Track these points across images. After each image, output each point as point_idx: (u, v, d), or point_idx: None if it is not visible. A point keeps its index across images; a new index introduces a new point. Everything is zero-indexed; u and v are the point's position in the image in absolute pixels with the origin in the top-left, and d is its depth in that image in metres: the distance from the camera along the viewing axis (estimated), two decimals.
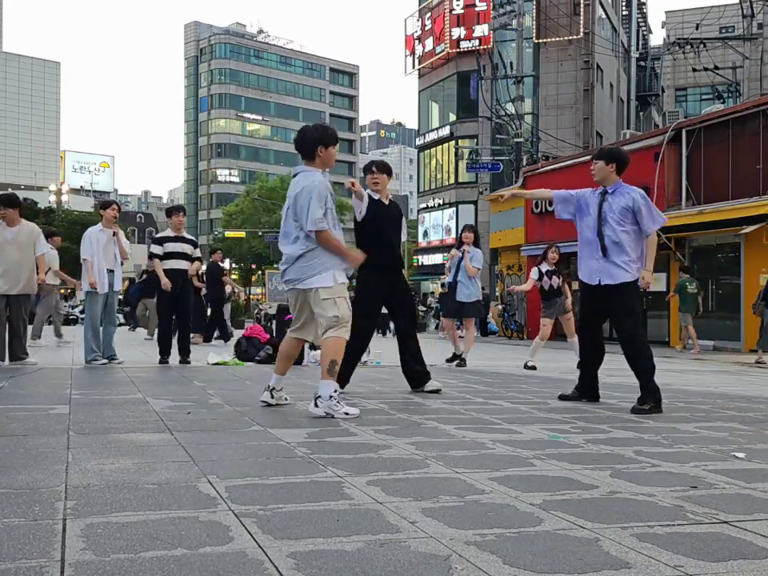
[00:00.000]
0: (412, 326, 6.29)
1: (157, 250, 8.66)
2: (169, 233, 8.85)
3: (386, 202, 5.98)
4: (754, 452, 3.62)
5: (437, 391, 5.97)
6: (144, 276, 15.83)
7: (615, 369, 10.27)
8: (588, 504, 2.54)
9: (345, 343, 4.57)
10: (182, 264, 8.62)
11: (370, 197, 5.90)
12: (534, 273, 9.92)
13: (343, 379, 5.61)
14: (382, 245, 5.84)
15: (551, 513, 2.41)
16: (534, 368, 9.49)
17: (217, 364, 8.67)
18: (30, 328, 9.07)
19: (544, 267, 9.73)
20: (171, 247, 8.64)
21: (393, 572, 1.86)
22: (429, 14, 39.96)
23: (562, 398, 5.83)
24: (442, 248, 38.91)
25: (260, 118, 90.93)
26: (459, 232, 10.06)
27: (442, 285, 31.49)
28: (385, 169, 6.03)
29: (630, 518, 2.39)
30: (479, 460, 3.25)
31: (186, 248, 8.75)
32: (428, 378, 6.09)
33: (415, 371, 6.10)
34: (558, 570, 1.90)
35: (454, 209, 39.01)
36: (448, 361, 9.79)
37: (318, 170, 4.76)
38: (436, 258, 40.11)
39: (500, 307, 24.18)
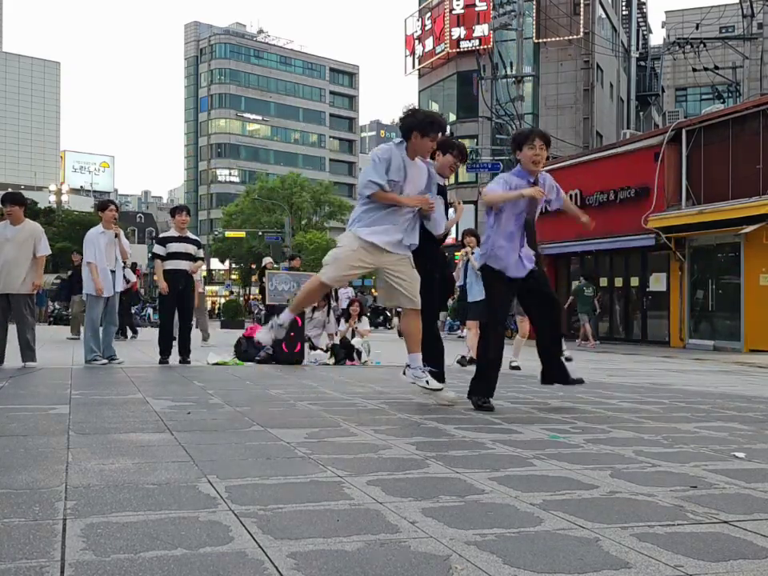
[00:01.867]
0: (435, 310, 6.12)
1: (159, 250, 8.66)
2: (172, 233, 8.86)
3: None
4: (753, 452, 3.62)
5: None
6: (70, 272, 15.45)
7: (615, 369, 10.29)
8: (588, 504, 2.54)
9: (316, 281, 4.92)
10: (184, 264, 8.63)
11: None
12: None
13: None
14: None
15: (551, 513, 2.41)
16: (518, 368, 9.47)
17: (217, 364, 8.68)
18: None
19: None
20: (174, 247, 8.64)
21: (393, 572, 1.86)
22: (429, 14, 39.94)
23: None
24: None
25: (260, 118, 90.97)
26: (461, 237, 10.17)
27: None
28: (467, 158, 6.06)
29: (630, 518, 2.39)
30: (479, 460, 3.25)
31: (190, 248, 8.76)
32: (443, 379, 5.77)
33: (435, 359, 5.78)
34: (558, 570, 1.90)
35: (454, 209, 38.96)
36: (459, 363, 9.71)
37: (396, 142, 4.87)
38: None
39: None
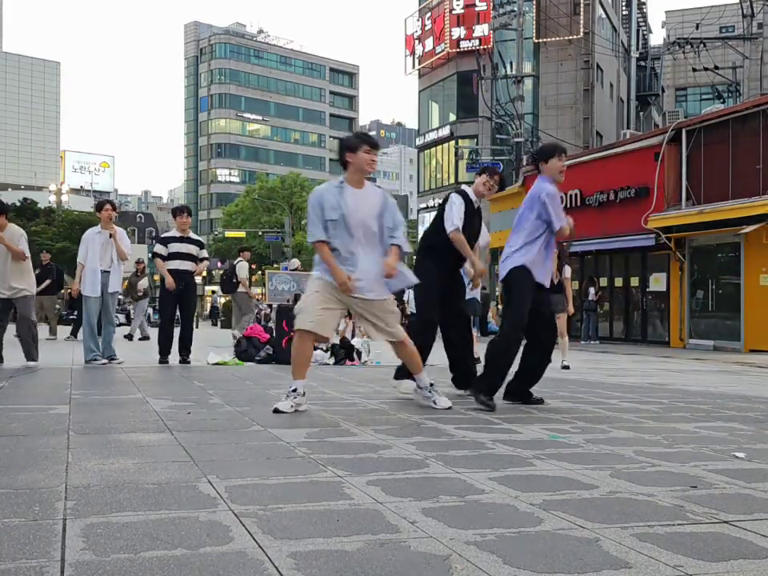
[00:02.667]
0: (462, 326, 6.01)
1: (160, 250, 8.68)
2: (174, 233, 8.87)
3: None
4: (753, 452, 3.62)
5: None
6: (38, 271, 15.16)
7: (615, 369, 10.29)
8: (588, 504, 2.54)
9: (297, 337, 4.71)
10: (185, 265, 8.63)
11: (471, 201, 5.73)
12: None
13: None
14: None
15: (551, 513, 2.41)
16: (567, 367, 9.75)
17: (217, 364, 8.68)
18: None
19: None
20: (176, 248, 8.64)
21: (393, 572, 1.86)
22: (429, 14, 39.92)
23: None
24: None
25: (260, 117, 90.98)
26: None
27: None
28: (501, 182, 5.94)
29: (630, 517, 2.39)
30: (479, 460, 3.25)
31: (192, 249, 8.75)
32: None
33: (461, 372, 5.97)
34: (558, 570, 1.90)
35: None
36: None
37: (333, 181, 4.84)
38: None
39: (500, 307, 24.20)
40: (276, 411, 4.49)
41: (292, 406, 4.56)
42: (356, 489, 2.66)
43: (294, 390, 4.61)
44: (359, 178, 4.75)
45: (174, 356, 8.63)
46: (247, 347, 9.42)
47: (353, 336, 10.34)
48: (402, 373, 5.74)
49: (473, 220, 5.71)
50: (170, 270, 8.56)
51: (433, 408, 4.92)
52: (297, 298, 9.68)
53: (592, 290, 19.49)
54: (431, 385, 5.04)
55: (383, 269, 4.70)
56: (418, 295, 5.92)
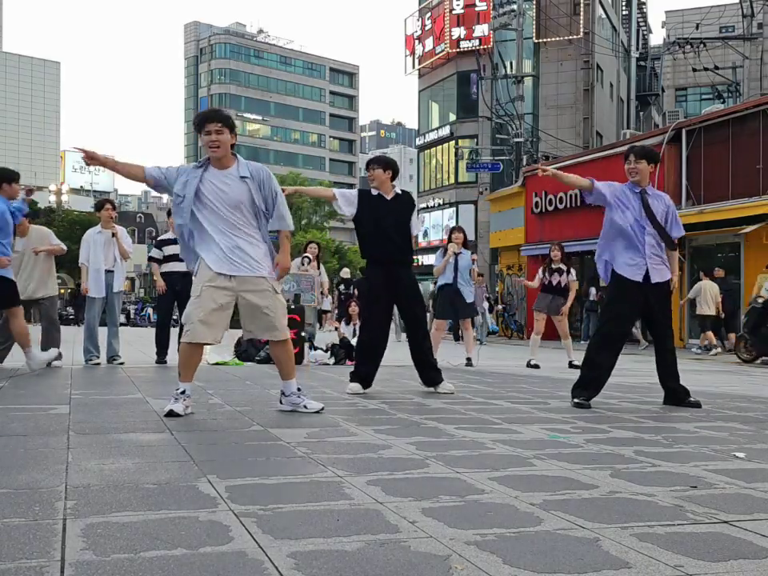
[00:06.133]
0: (420, 323, 6.14)
1: (156, 254, 8.79)
2: (169, 235, 8.88)
3: (388, 197, 5.86)
4: (753, 452, 3.62)
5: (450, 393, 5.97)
6: None
7: (615, 369, 10.26)
8: (588, 504, 2.54)
9: (185, 348, 4.40)
10: (181, 266, 8.63)
11: (368, 192, 5.93)
12: (539, 274, 10.24)
13: (367, 382, 5.83)
14: (378, 240, 5.83)
15: (551, 513, 2.41)
16: (536, 366, 9.68)
17: (217, 364, 8.68)
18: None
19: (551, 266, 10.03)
20: (171, 250, 8.66)
21: (393, 572, 1.86)
22: (429, 14, 39.92)
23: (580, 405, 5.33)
24: (443, 248, 38.85)
25: (260, 118, 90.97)
26: (449, 233, 9.75)
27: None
28: (380, 163, 5.93)
29: (630, 518, 2.39)
30: (479, 460, 3.25)
31: None
32: (440, 378, 6.12)
33: (428, 374, 6.16)
34: (558, 570, 1.90)
35: (454, 209, 38.99)
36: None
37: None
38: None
39: (500, 307, 24.20)
40: (171, 414, 4.21)
41: (186, 407, 4.34)
42: (356, 489, 2.66)
43: (183, 392, 4.37)
44: (215, 161, 4.80)
45: (173, 356, 8.62)
46: (247, 347, 9.41)
47: (353, 336, 10.33)
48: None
49: (382, 211, 5.81)
50: (166, 272, 8.61)
51: (304, 411, 4.54)
52: (297, 298, 9.69)
53: (593, 290, 19.47)
54: (299, 390, 4.66)
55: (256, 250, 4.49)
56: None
